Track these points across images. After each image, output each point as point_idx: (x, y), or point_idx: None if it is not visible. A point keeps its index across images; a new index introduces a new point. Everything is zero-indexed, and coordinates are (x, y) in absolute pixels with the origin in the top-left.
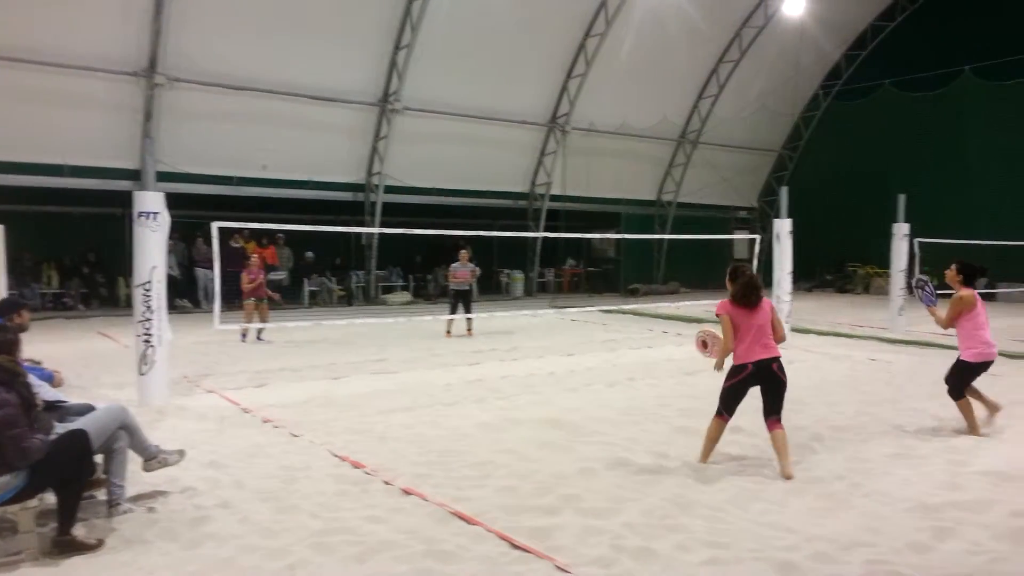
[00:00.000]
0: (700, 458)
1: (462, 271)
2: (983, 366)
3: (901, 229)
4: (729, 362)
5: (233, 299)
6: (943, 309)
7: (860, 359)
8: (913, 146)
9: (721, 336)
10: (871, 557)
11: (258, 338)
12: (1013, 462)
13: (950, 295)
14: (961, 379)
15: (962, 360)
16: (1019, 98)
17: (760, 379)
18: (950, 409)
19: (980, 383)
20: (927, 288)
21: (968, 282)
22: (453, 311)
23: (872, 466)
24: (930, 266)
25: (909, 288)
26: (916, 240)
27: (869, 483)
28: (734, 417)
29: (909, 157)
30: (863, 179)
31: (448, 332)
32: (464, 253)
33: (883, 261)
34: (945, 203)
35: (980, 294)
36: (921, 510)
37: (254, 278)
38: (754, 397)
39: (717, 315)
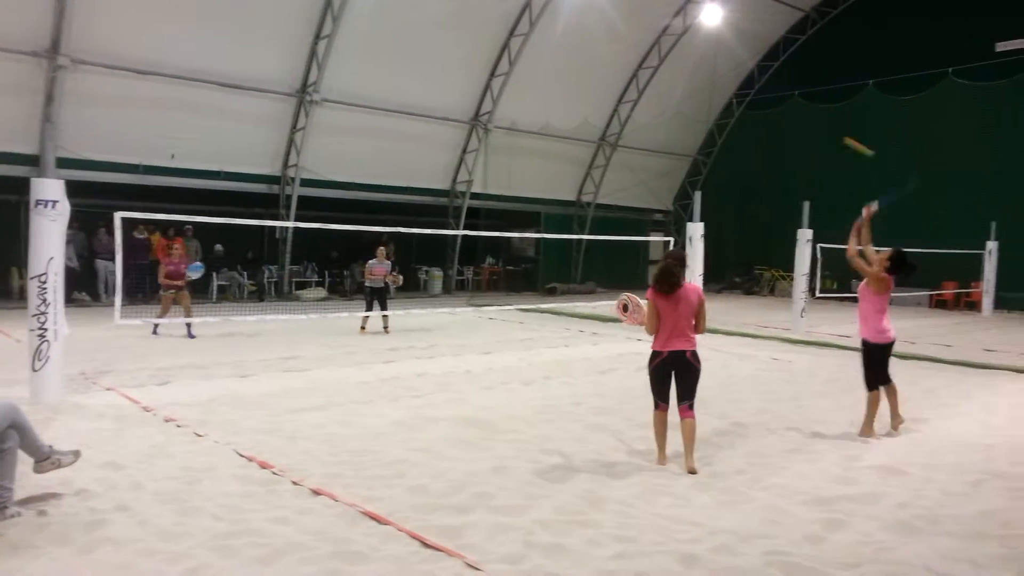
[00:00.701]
0: (657, 459)
1: (379, 268)
2: (884, 348)
3: (805, 235)
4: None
5: (136, 292)
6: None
7: (763, 358)
8: (818, 155)
9: (644, 309)
10: (769, 548)
11: (189, 335)
12: (901, 457)
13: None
14: (869, 361)
15: (865, 341)
16: (917, 112)
17: (674, 366)
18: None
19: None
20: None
21: (891, 271)
22: (368, 308)
23: (771, 461)
24: (831, 270)
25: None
26: (819, 245)
27: (768, 477)
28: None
29: (814, 166)
30: (771, 186)
31: (363, 328)
32: (382, 250)
33: (788, 265)
34: (846, 210)
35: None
36: (816, 503)
37: (175, 267)
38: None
39: (646, 299)
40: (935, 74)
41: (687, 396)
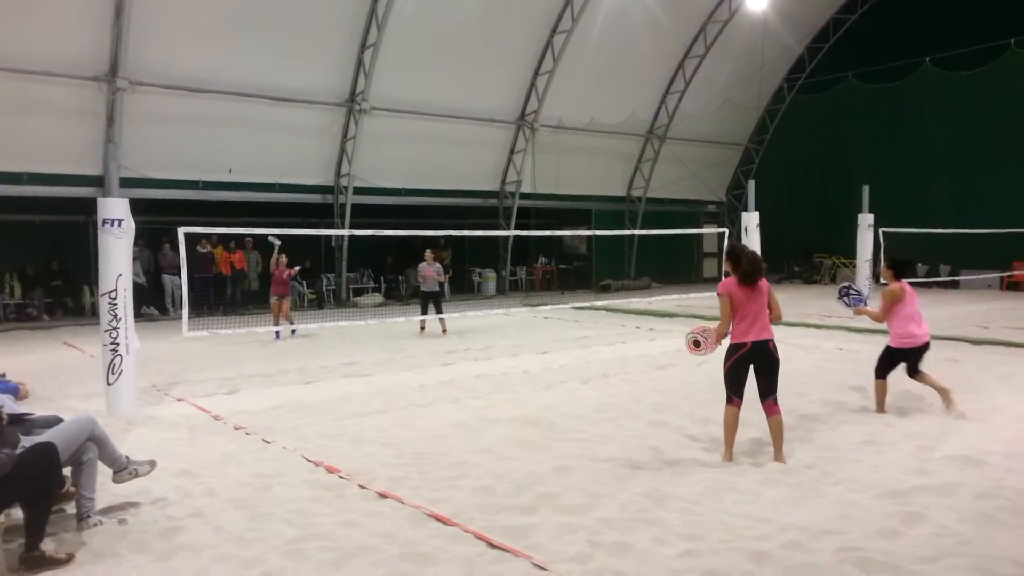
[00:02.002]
0: (724, 455)
1: (428, 270)
2: (906, 352)
3: (866, 219)
4: (726, 343)
5: (201, 305)
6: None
7: (829, 349)
8: (876, 137)
9: (712, 329)
10: (842, 544)
11: (292, 333)
12: (977, 446)
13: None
14: (884, 361)
15: (888, 346)
16: (978, 88)
17: (756, 358)
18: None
19: (936, 371)
20: (851, 291)
21: (899, 276)
22: (424, 311)
23: (842, 454)
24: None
25: (841, 287)
26: (880, 230)
27: (839, 471)
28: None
29: (872, 148)
30: (828, 171)
31: (422, 330)
32: (429, 252)
33: (849, 251)
34: (908, 192)
35: (926, 283)
36: (890, 496)
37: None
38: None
39: (718, 295)
40: (996, 47)
41: (771, 391)
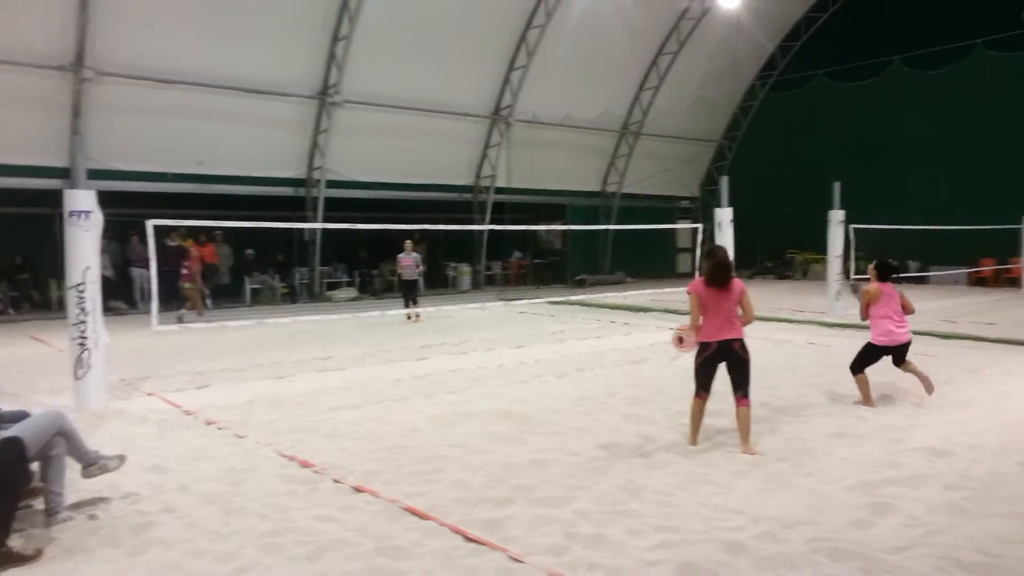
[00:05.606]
0: (689, 440)
1: (406, 259)
2: (883, 349)
3: (837, 216)
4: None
5: (170, 299)
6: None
7: (800, 343)
8: (847, 135)
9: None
10: (814, 535)
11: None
12: (946, 438)
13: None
14: (862, 357)
15: (869, 341)
16: (946, 87)
17: (724, 357)
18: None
19: (919, 362)
20: (859, 290)
21: (881, 278)
22: (406, 300)
23: (813, 446)
24: (864, 251)
25: (850, 284)
26: (851, 226)
27: (811, 463)
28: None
29: (843, 145)
30: (800, 168)
31: (408, 317)
32: (409, 242)
33: (820, 247)
34: (878, 189)
35: (895, 279)
36: (860, 487)
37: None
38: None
39: (687, 293)
40: (964, 47)
41: (740, 386)
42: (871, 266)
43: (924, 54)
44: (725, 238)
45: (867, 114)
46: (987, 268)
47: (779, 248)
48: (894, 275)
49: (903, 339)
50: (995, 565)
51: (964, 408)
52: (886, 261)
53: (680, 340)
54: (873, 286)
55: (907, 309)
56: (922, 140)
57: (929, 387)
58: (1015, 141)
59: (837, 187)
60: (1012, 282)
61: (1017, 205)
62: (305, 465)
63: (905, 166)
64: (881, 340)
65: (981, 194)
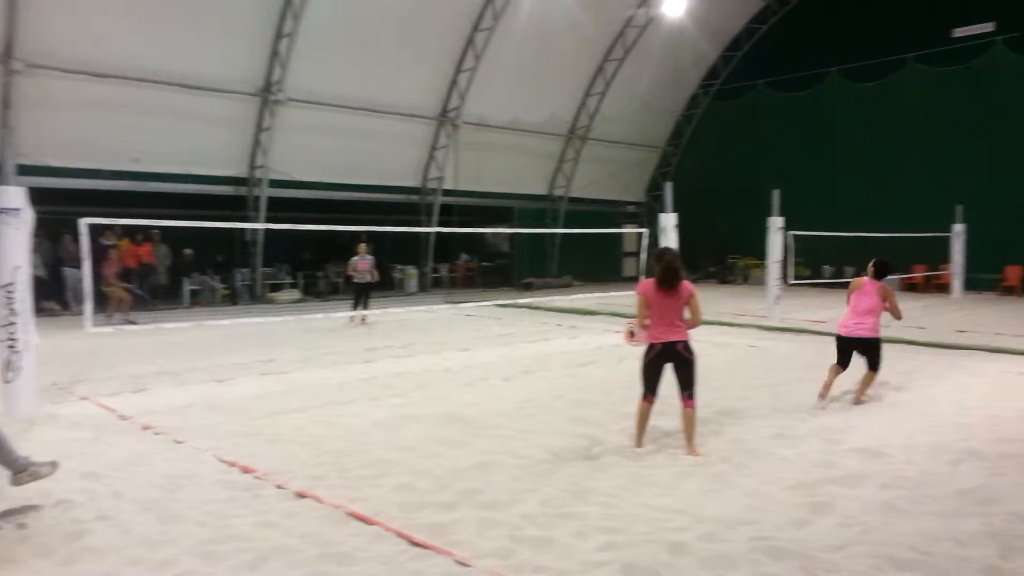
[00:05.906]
0: (635, 442)
1: (362, 263)
2: (838, 339)
3: (776, 223)
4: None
5: (105, 300)
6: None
7: (741, 346)
8: (786, 143)
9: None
10: (755, 534)
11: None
12: (880, 439)
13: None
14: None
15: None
16: (880, 99)
17: (668, 359)
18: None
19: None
20: None
21: (877, 275)
22: (355, 304)
23: (754, 447)
24: (804, 257)
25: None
26: (790, 233)
27: (752, 464)
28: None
29: (783, 153)
30: (741, 175)
31: (352, 319)
32: (363, 246)
33: (761, 253)
34: (816, 197)
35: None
36: (799, 487)
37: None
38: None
39: (636, 293)
40: (897, 60)
41: (685, 387)
42: (871, 263)
43: (860, 66)
44: (670, 242)
45: (806, 124)
46: (918, 274)
47: (721, 253)
48: (889, 275)
49: (854, 334)
50: (926, 562)
51: (897, 410)
52: (884, 261)
53: (631, 334)
54: (859, 279)
55: (892, 312)
56: (858, 149)
57: (858, 396)
58: (944, 152)
59: (776, 195)
60: (941, 288)
61: (946, 214)
62: (246, 471)
63: (842, 175)
64: (838, 330)
65: (913, 203)
